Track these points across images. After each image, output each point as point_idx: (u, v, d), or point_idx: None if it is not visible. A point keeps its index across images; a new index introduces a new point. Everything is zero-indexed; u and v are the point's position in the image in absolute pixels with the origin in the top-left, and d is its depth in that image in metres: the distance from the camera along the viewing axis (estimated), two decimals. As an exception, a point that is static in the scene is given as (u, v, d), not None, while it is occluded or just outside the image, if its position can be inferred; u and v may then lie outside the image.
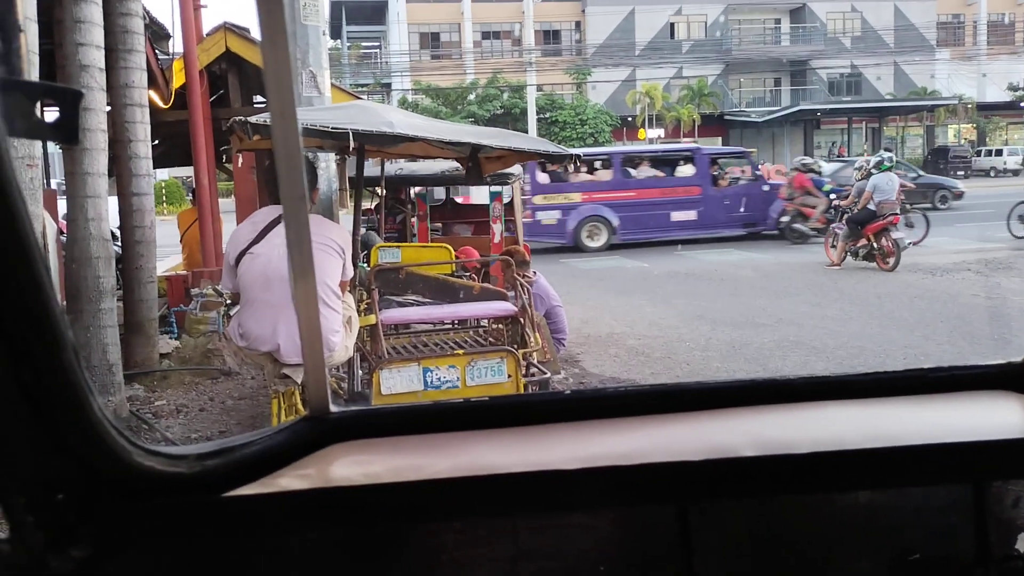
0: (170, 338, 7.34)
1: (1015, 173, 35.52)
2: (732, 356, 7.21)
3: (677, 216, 16.79)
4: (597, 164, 17.30)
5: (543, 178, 16.37)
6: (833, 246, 12.69)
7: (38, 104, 0.83)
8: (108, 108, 5.90)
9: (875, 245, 11.79)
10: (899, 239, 11.64)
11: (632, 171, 17.23)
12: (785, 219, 16.07)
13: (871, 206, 11.78)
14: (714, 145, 34.75)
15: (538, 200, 16.26)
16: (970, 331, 7.69)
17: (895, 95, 43.29)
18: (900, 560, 1.19)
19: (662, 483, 1.05)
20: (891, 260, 11.62)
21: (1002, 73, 41.69)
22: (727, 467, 1.03)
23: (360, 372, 5.17)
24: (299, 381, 3.98)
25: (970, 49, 45.10)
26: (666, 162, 17.67)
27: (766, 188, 17.02)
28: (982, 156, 38.36)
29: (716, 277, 12.07)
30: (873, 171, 12.16)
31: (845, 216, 12.42)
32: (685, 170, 17.26)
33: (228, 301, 5.23)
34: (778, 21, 45.33)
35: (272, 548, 1.08)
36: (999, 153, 38.29)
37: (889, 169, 12.17)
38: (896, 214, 11.80)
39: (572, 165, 4.97)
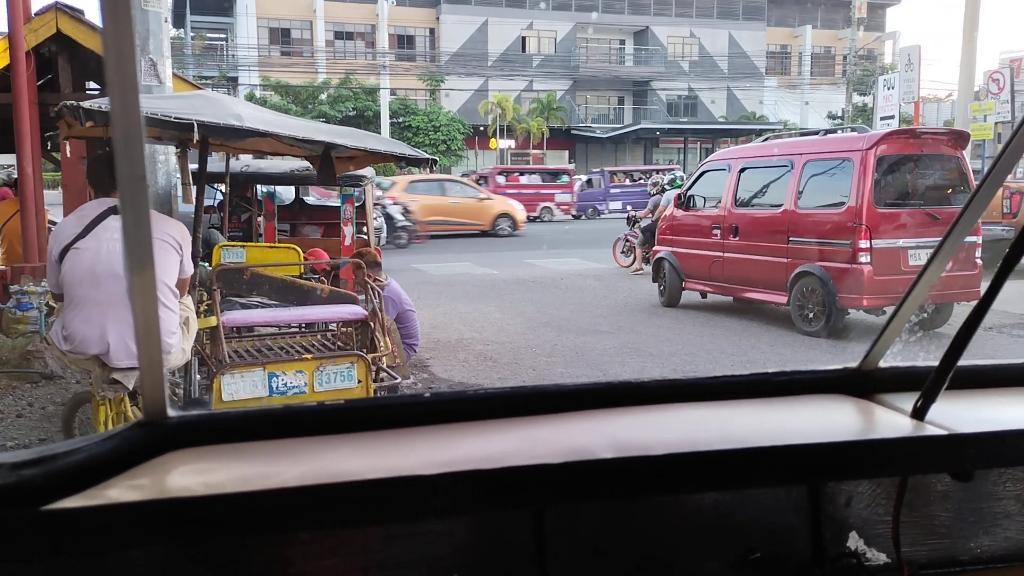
0: (-18, 339, 6.71)
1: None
2: (576, 361, 7.40)
3: None
4: None
5: None
6: (623, 252, 13.98)
7: None
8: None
9: None
10: None
11: None
12: None
13: None
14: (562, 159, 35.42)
15: None
16: (791, 340, 8.25)
17: (727, 118, 46.11)
18: (742, 559, 1.24)
19: (520, 486, 1.03)
20: None
21: (823, 102, 45.30)
22: (585, 469, 1.03)
23: (198, 377, 4.91)
24: (130, 387, 3.73)
25: (795, 78, 48.72)
26: None
27: None
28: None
29: (562, 285, 12.39)
30: (667, 187, 13.43)
31: (637, 225, 13.58)
32: None
33: (51, 303, 4.83)
34: (623, 42, 47.22)
35: (100, 566, 0.99)
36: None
37: (680, 186, 13.15)
38: None
39: None
